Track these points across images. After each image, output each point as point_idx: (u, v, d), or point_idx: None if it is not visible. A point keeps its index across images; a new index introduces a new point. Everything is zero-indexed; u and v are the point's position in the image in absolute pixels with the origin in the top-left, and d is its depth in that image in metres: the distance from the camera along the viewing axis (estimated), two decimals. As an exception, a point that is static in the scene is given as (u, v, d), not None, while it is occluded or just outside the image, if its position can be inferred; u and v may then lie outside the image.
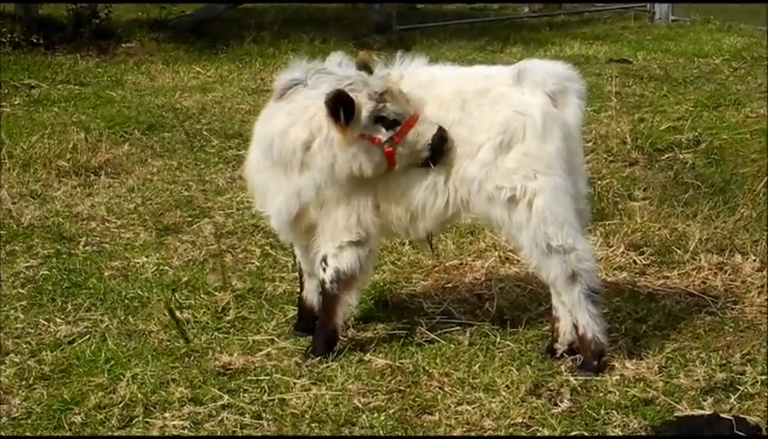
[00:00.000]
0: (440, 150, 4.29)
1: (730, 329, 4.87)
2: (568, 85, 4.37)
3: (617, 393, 4.22)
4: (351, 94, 4.18)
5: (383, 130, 4.26)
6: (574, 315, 4.39)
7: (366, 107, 4.22)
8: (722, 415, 4.02)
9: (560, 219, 4.25)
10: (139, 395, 4.17)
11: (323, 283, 4.53)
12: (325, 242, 4.49)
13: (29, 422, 4.03)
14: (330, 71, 4.37)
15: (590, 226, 5.99)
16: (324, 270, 4.51)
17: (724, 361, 4.50)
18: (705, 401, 4.17)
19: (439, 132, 4.28)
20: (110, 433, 3.95)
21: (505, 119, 4.25)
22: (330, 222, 4.43)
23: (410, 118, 4.28)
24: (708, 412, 4.06)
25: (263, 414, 4.07)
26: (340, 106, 4.16)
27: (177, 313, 4.89)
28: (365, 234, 4.46)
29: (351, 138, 4.22)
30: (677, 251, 5.74)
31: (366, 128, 4.24)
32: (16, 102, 9.83)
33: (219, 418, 4.05)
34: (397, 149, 4.27)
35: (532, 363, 4.48)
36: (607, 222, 6.13)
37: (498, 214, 4.31)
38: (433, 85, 4.38)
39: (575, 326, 4.42)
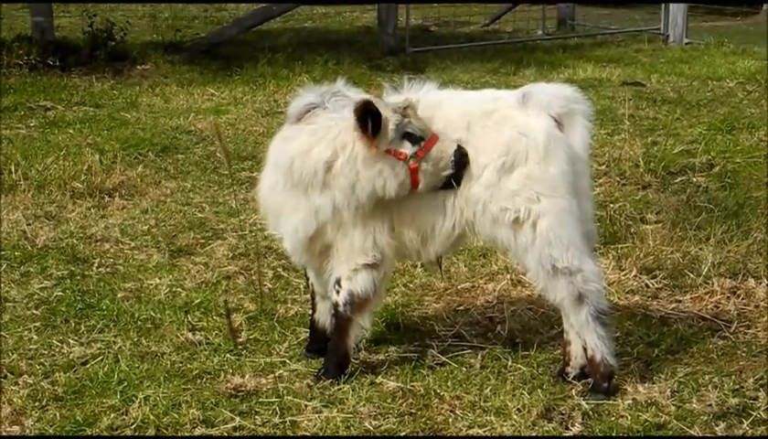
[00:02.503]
0: (462, 166, 4.31)
1: (743, 354, 4.85)
2: (574, 107, 4.39)
3: (629, 418, 4.21)
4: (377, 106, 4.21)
5: (408, 145, 4.28)
6: (582, 336, 4.39)
7: (392, 120, 4.25)
8: (735, 441, 4.01)
9: (565, 241, 4.26)
10: (151, 417, 4.18)
11: (336, 305, 4.54)
12: (339, 265, 4.50)
13: (42, 443, 4.05)
14: (347, 95, 4.40)
15: (602, 249, 6.01)
16: (337, 292, 4.51)
17: (737, 386, 4.48)
18: (717, 426, 4.15)
19: (459, 149, 4.30)
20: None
21: (508, 141, 4.27)
22: (346, 244, 4.44)
23: (432, 135, 4.30)
24: (720, 438, 4.04)
25: (275, 437, 4.07)
26: (368, 116, 4.18)
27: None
28: (380, 257, 4.46)
29: (377, 152, 4.24)
30: (690, 274, 5.73)
31: (392, 143, 4.26)
32: (32, 124, 9.90)
33: (231, 440, 4.06)
34: (421, 165, 4.28)
35: (544, 387, 4.47)
36: (620, 246, 6.12)
37: (504, 236, 4.32)
38: (441, 107, 4.41)
39: (584, 349, 4.41)
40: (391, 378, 4.57)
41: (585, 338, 4.37)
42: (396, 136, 4.27)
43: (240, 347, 4.92)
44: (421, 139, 4.29)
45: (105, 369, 4.66)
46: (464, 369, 4.66)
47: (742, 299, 5.48)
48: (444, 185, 4.35)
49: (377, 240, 4.43)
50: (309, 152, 4.30)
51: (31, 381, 4.54)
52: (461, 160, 4.30)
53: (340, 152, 4.28)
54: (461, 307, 5.43)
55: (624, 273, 5.80)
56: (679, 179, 7.74)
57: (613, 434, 4.08)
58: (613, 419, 4.21)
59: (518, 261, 4.47)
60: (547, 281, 4.32)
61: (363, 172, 4.27)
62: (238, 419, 4.19)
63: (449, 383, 4.50)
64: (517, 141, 4.27)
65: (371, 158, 4.25)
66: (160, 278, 5.84)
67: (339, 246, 4.46)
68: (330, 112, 4.34)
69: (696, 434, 4.08)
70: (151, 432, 4.09)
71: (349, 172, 4.27)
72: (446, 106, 4.42)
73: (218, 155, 8.69)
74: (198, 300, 5.47)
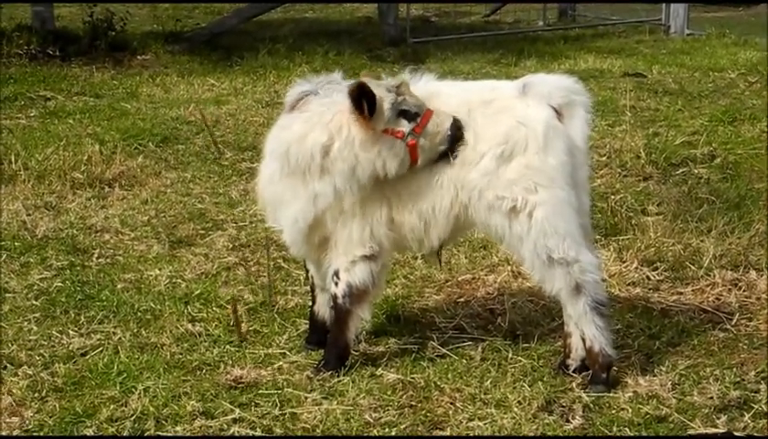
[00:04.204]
0: (458, 139, 4.30)
1: (745, 346, 4.84)
2: (574, 98, 4.38)
3: (630, 410, 4.20)
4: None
5: (405, 122, 4.27)
6: (580, 327, 4.38)
7: (387, 100, 4.23)
8: (736, 434, 4.00)
9: (562, 232, 4.24)
10: (151, 408, 4.18)
11: (335, 297, 4.53)
12: (337, 256, 4.48)
13: (42, 434, 4.04)
14: (339, 82, 4.39)
15: (603, 241, 6.00)
16: (336, 284, 4.50)
17: (738, 379, 4.47)
18: (719, 419, 4.14)
19: (455, 121, 4.29)
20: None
21: (507, 130, 4.26)
22: (344, 235, 4.43)
23: (426, 110, 4.29)
24: (721, 431, 4.04)
25: (274, 429, 4.07)
26: (363, 97, 4.17)
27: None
28: (378, 248, 4.45)
29: (374, 133, 4.23)
30: (691, 266, 5.72)
31: (389, 122, 4.25)
32: (32, 114, 9.89)
33: (231, 432, 4.05)
34: (419, 141, 4.26)
35: (544, 379, 4.46)
36: (620, 237, 6.10)
37: (498, 224, 4.31)
38: (439, 97, 4.40)
39: (582, 340, 4.40)
40: (391, 370, 4.56)
41: (583, 329, 4.36)
42: (392, 115, 4.25)
43: (239, 338, 4.91)
44: (417, 115, 4.28)
45: (105, 360, 4.65)
46: (465, 361, 4.65)
47: (744, 291, 5.47)
48: (440, 156, 4.34)
49: (374, 231, 4.42)
50: (305, 138, 4.29)
51: (31, 372, 4.53)
52: (456, 133, 4.30)
53: (336, 136, 4.26)
54: (461, 299, 5.42)
55: (624, 264, 5.78)
56: (681, 171, 7.72)
57: (614, 427, 4.07)
58: (613, 411, 4.20)
59: (513, 250, 4.45)
60: (543, 271, 4.31)
61: (362, 154, 4.25)
62: (237, 410, 4.18)
63: (449, 375, 4.49)
64: (517, 130, 4.26)
65: (369, 140, 4.23)
66: (160, 269, 5.83)
67: (338, 237, 4.44)
68: (321, 97, 4.34)
69: (697, 427, 4.07)
70: (150, 423, 4.09)
71: (348, 155, 4.26)
72: (445, 96, 4.41)
73: (219, 145, 8.68)
74: (198, 291, 5.46)
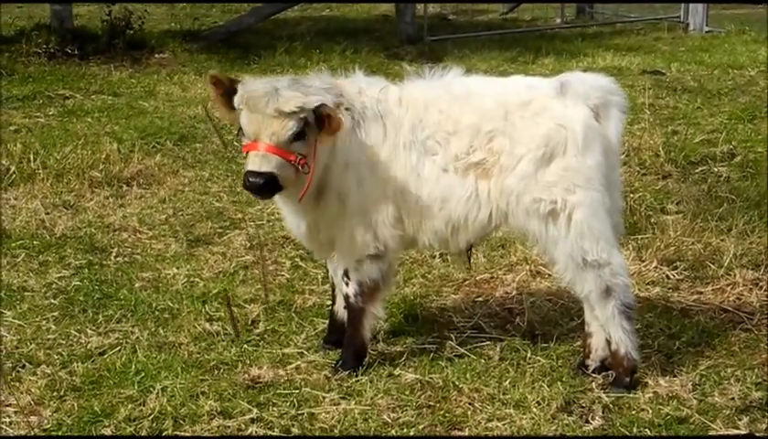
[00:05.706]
0: (249, 188, 4.16)
1: (766, 346, 4.79)
2: (611, 98, 4.35)
3: (650, 411, 4.17)
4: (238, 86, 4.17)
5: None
6: (607, 330, 4.34)
7: (237, 97, 4.17)
8: (758, 435, 3.96)
9: (597, 234, 4.22)
10: (169, 408, 4.17)
11: (347, 297, 4.52)
12: (343, 256, 4.47)
13: (60, 433, 4.04)
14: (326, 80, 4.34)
15: (622, 240, 5.94)
16: (346, 284, 4.49)
17: (760, 380, 4.43)
18: (740, 420, 4.10)
19: (261, 175, 4.11)
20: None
21: (546, 132, 4.22)
22: (346, 238, 4.41)
23: (253, 143, 4.15)
24: (743, 432, 4.01)
25: (292, 429, 4.06)
26: (219, 85, 4.22)
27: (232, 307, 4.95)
28: (383, 248, 4.43)
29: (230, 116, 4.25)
30: (712, 266, 5.67)
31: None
32: (51, 113, 9.92)
33: (248, 432, 4.04)
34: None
35: (563, 379, 4.43)
36: (640, 236, 6.07)
37: (536, 227, 4.27)
38: (471, 97, 4.34)
39: (608, 342, 4.37)
40: (409, 370, 4.54)
41: (610, 332, 4.33)
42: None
43: (257, 337, 4.91)
44: (241, 135, 4.20)
45: (123, 359, 4.65)
46: (483, 360, 4.63)
47: (765, 291, 5.42)
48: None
49: (378, 232, 4.39)
50: None
51: (49, 371, 4.54)
52: (247, 184, 4.15)
53: None
54: (479, 298, 5.40)
55: (644, 264, 5.75)
56: (700, 169, 7.67)
57: (634, 428, 4.04)
58: (633, 412, 4.17)
59: (547, 253, 4.39)
60: (575, 274, 4.27)
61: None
62: (255, 410, 4.17)
63: (468, 375, 4.47)
64: (557, 132, 4.22)
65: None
66: (178, 268, 5.83)
67: (340, 240, 4.43)
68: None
69: (718, 429, 4.03)
70: (168, 423, 4.08)
71: None
72: (477, 97, 4.34)
73: (236, 143, 8.68)
74: (216, 290, 5.45)
